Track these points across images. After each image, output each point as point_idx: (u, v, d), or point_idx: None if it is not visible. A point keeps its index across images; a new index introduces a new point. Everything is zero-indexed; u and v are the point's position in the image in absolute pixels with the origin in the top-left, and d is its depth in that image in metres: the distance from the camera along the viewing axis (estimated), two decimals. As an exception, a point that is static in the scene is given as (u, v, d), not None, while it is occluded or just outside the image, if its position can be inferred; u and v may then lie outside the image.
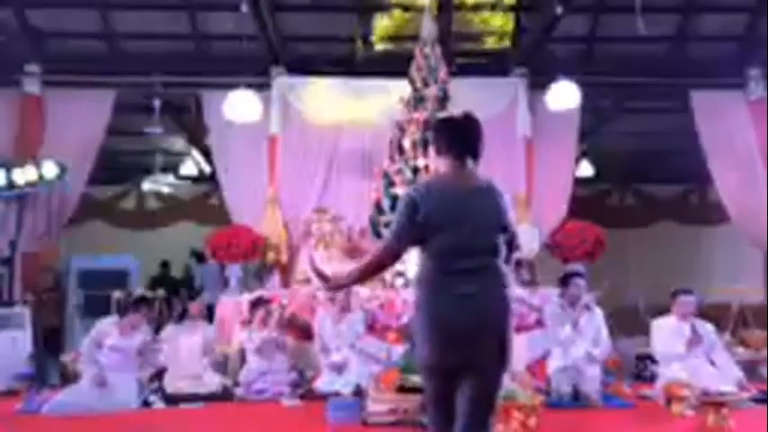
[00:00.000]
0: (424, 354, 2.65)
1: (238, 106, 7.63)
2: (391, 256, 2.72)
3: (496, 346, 2.58)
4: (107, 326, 5.76)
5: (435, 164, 2.80)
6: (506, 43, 8.54)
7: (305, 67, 8.52)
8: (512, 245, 2.77)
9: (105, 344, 5.64)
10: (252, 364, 6.05)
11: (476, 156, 2.77)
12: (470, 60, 8.08)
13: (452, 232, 2.60)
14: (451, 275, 2.58)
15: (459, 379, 2.62)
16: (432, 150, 2.86)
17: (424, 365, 2.70)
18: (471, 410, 2.58)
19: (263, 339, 6.06)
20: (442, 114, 7.21)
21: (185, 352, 6.04)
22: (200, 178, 11.83)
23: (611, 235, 8.19)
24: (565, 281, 5.98)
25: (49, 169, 7.48)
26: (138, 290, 8.24)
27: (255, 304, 6.34)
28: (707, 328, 5.68)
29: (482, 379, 2.58)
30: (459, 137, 2.78)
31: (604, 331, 5.82)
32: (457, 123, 2.83)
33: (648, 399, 5.62)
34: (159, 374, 5.98)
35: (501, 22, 8.53)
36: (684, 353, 5.48)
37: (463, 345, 2.56)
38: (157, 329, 6.46)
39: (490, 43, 8.65)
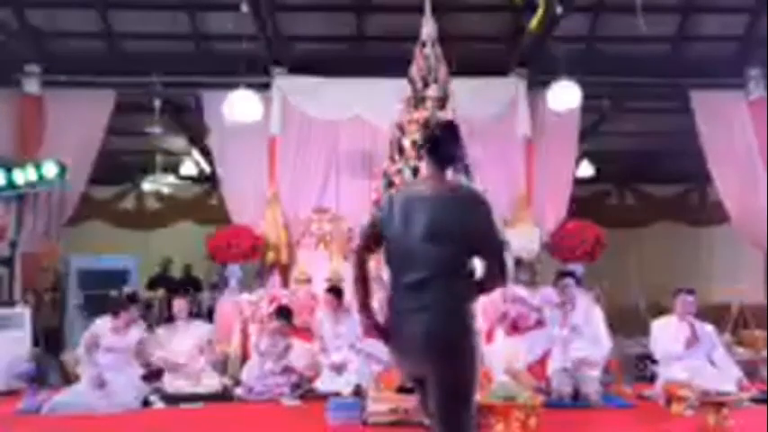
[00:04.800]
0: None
1: (239, 106, 7.62)
2: (357, 265, 2.81)
3: (443, 361, 2.54)
4: (100, 327, 5.76)
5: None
6: (506, 43, 8.53)
7: (305, 67, 8.51)
8: (491, 257, 2.59)
9: (101, 345, 5.65)
10: (254, 363, 6.05)
11: (452, 162, 2.79)
12: (470, 60, 8.06)
13: (402, 238, 2.62)
14: (401, 290, 2.63)
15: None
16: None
17: None
18: (435, 425, 2.59)
19: (269, 344, 6.05)
20: (443, 115, 7.23)
21: (181, 352, 6.03)
22: (200, 178, 11.83)
23: (611, 235, 8.20)
24: (556, 281, 6.04)
25: (49, 169, 7.47)
26: (126, 289, 8.23)
27: (278, 313, 6.24)
28: (707, 328, 5.68)
29: (436, 394, 2.57)
30: (435, 146, 2.78)
31: (604, 331, 5.82)
32: (435, 132, 2.83)
33: (648, 399, 5.62)
34: (158, 374, 5.99)
35: (501, 21, 8.52)
36: (683, 352, 5.50)
37: (411, 359, 2.63)
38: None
39: (490, 43, 8.64)
